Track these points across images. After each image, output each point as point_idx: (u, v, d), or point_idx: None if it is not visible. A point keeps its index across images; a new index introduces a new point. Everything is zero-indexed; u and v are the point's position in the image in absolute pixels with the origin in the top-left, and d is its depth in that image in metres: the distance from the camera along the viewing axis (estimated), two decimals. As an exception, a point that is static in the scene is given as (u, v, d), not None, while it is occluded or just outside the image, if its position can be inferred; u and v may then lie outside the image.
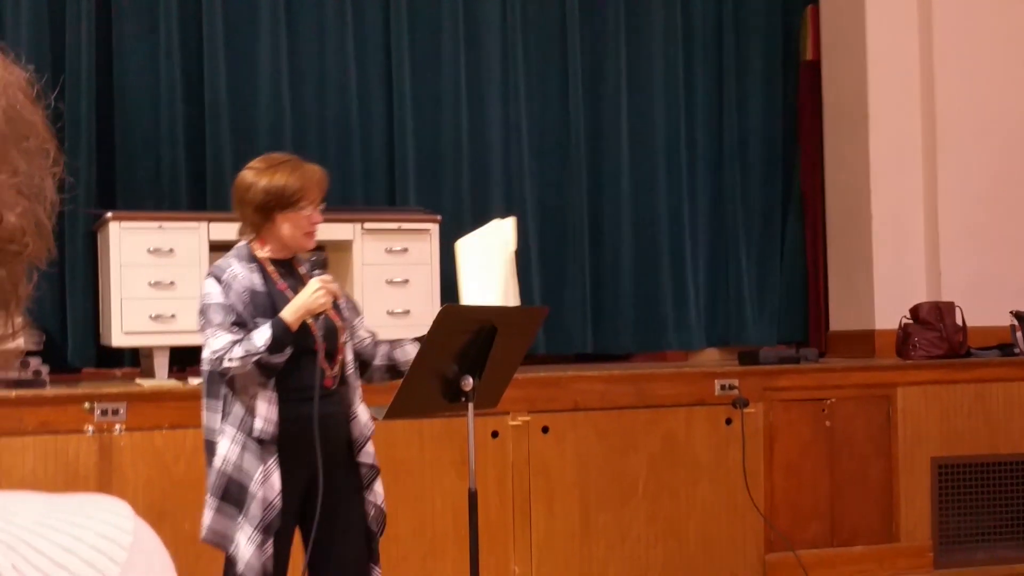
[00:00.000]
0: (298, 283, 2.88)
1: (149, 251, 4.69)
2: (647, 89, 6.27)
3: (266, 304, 2.81)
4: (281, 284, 2.88)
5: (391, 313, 4.97)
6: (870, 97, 6.14)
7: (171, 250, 4.72)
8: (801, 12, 6.63)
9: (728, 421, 4.97)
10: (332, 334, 2.88)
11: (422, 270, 5.08)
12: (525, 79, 6.05)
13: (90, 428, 4.13)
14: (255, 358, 2.70)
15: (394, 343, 3.08)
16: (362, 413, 2.93)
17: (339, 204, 5.55)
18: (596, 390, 4.83)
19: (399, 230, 5.07)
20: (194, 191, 5.49)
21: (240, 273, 2.84)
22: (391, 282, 4.98)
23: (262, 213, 2.86)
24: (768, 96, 6.56)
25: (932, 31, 6.10)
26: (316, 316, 2.78)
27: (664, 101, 6.28)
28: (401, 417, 2.94)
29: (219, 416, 2.81)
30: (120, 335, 4.66)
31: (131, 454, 4.17)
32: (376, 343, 3.07)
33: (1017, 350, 5.63)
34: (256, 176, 2.87)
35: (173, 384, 4.43)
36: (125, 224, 4.71)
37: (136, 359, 5.25)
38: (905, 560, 5.20)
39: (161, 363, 4.70)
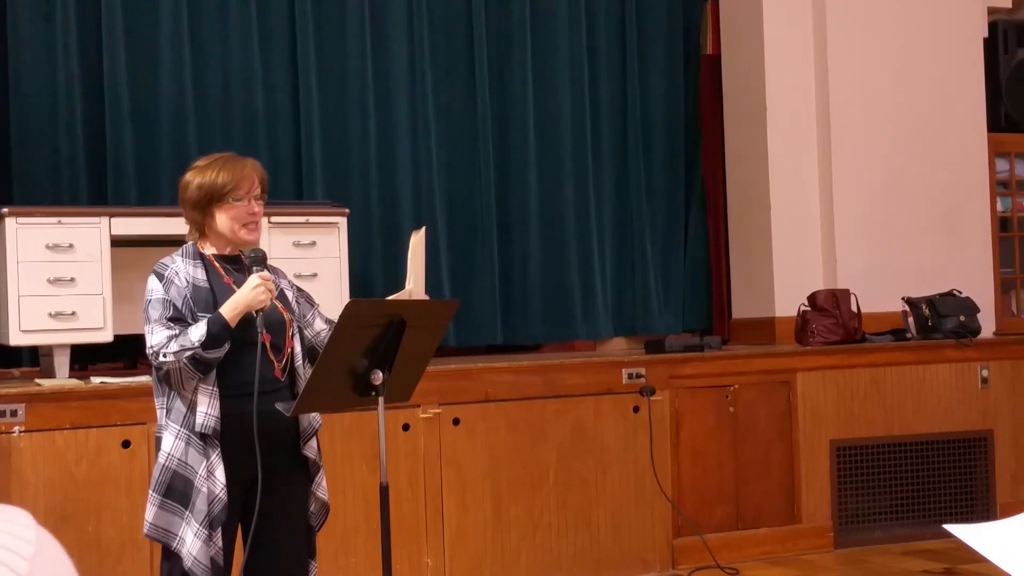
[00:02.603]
0: (245, 279, 2.86)
1: (48, 247, 4.58)
2: (553, 82, 6.32)
3: (208, 299, 2.80)
4: (227, 279, 2.86)
5: (299, 307, 4.94)
6: (768, 91, 6.29)
7: (71, 245, 4.61)
8: (702, 8, 6.76)
9: (636, 409, 5.05)
10: (279, 327, 2.87)
11: (331, 263, 5.05)
12: (432, 71, 6.04)
13: (-12, 430, 4.02)
14: (189, 353, 2.69)
15: None
16: None
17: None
18: (506, 381, 4.87)
19: (307, 223, 5.03)
20: (94, 185, 5.37)
21: (182, 269, 2.84)
22: (300, 276, 4.93)
23: (200, 209, 2.87)
24: (671, 90, 6.67)
25: (826, 27, 6.26)
26: (257, 312, 2.76)
27: (569, 94, 6.34)
28: (309, 412, 2.92)
29: (165, 412, 2.80)
30: (18, 333, 4.54)
31: (31, 456, 4.07)
32: None
33: (909, 335, 5.83)
34: (193, 175, 2.90)
35: (74, 383, 4.33)
36: (22, 220, 4.59)
37: (35, 358, 5.12)
38: (807, 541, 5.35)
39: (61, 361, 4.59)
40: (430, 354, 3.05)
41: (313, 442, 2.93)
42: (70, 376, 4.57)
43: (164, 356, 2.72)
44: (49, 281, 4.55)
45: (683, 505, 5.13)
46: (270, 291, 2.78)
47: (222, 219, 2.86)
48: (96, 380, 4.37)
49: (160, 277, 2.82)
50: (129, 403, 4.18)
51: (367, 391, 2.84)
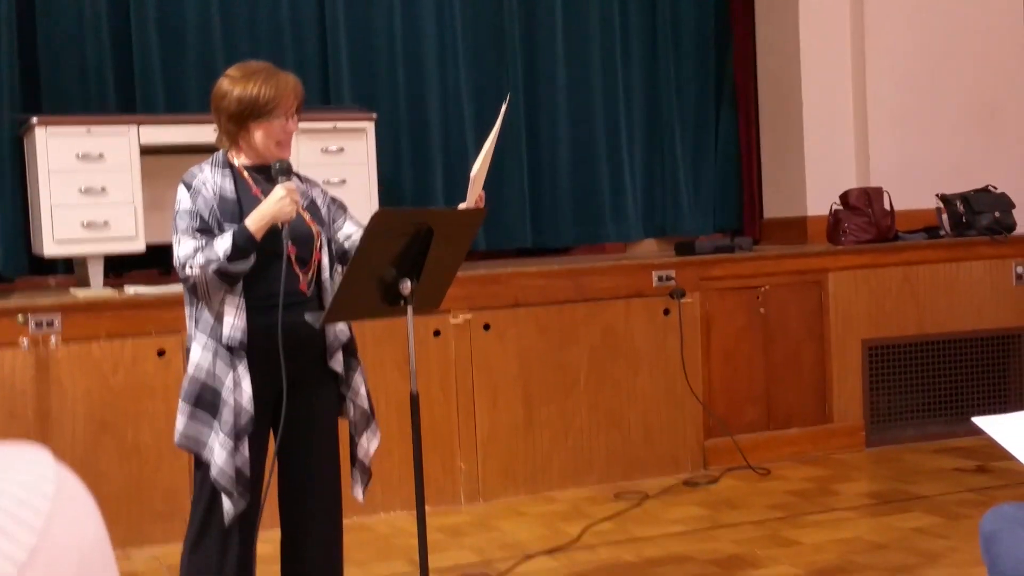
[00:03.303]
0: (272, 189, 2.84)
1: (78, 156, 4.59)
2: (580, -22, 6.18)
3: (235, 210, 2.77)
4: (256, 190, 2.83)
5: (328, 214, 4.94)
6: (801, -17, 6.14)
7: (100, 155, 4.62)
8: None
9: (666, 311, 5.05)
10: (306, 239, 2.84)
11: (359, 170, 5.04)
12: (457, -30, 5.93)
13: (25, 341, 4.09)
14: (214, 266, 2.67)
15: None
16: None
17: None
18: (536, 285, 4.88)
19: (334, 130, 5.00)
20: (122, 93, 5.35)
21: (210, 179, 2.81)
22: (328, 183, 4.92)
23: (236, 122, 2.82)
24: (701, -16, 6.51)
25: (864, -85, 6.06)
26: (283, 224, 2.75)
27: (598, -9, 6.21)
28: (338, 321, 2.93)
29: (194, 323, 2.80)
30: (52, 244, 4.58)
31: (68, 366, 4.14)
32: None
33: (943, 232, 5.76)
34: (231, 85, 2.82)
35: (109, 293, 4.38)
36: (52, 129, 4.60)
37: (70, 267, 5.18)
38: (838, 440, 5.38)
39: (96, 271, 4.64)
40: (458, 263, 3.04)
41: (339, 355, 2.92)
42: (104, 285, 4.62)
43: (190, 268, 2.71)
44: (81, 191, 4.58)
45: (714, 406, 5.16)
46: (295, 202, 2.77)
47: (258, 134, 2.82)
48: (130, 290, 4.42)
49: (188, 187, 2.80)
50: (163, 312, 4.22)
51: (396, 300, 2.84)
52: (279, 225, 2.75)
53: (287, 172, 2.83)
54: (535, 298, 4.86)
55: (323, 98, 5.69)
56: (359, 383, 2.96)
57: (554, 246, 6.20)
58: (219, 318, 2.74)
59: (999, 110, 6.30)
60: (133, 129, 4.68)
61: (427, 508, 2.91)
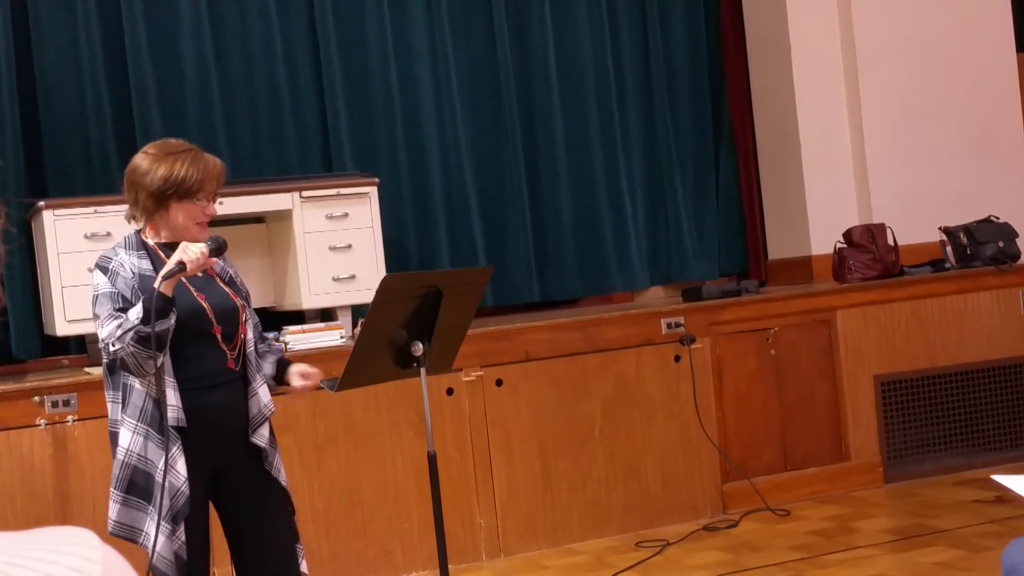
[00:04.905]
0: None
1: (86, 236, 4.65)
2: (573, 33, 6.28)
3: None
4: None
5: (337, 279, 4.99)
6: (791, 27, 6.22)
7: (108, 233, 4.67)
8: (719, -53, 6.67)
9: (677, 358, 5.06)
10: (231, 316, 2.82)
11: (364, 234, 5.09)
12: (451, 32, 6.02)
13: (42, 421, 4.11)
14: (131, 333, 2.60)
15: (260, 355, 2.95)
16: (263, 393, 2.85)
17: (275, 174, 5.52)
18: (545, 339, 4.90)
19: (338, 195, 5.06)
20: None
21: (127, 260, 2.78)
22: (334, 248, 4.98)
23: (157, 200, 2.79)
24: (692, 31, 6.61)
25: (848, -43, 6.16)
26: (204, 278, 2.74)
27: (590, 43, 6.30)
28: (354, 387, 2.96)
29: (119, 407, 2.76)
30: (64, 324, 4.62)
31: (86, 444, 4.16)
32: (258, 351, 2.93)
33: (948, 264, 5.78)
34: (154, 163, 2.80)
35: (123, 369, 4.40)
36: (59, 212, 4.66)
37: (83, 345, 5.21)
38: (856, 477, 5.36)
39: (109, 348, 4.67)
40: (468, 322, 3.07)
41: (264, 429, 2.85)
42: (118, 362, 4.64)
43: (114, 345, 2.66)
44: (89, 270, 4.60)
45: (730, 450, 5.16)
46: (198, 251, 2.68)
47: (180, 215, 2.80)
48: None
49: (105, 271, 2.77)
50: (177, 386, 4.24)
51: (409, 363, 2.87)
52: (204, 303, 2.74)
53: (220, 252, 2.78)
54: (545, 352, 4.88)
55: (325, 165, 5.76)
56: (277, 459, 2.89)
57: (561, 299, 6.23)
58: (157, 403, 2.70)
59: (993, 140, 6.35)
60: (140, 206, 4.74)
61: (449, 567, 2.91)
